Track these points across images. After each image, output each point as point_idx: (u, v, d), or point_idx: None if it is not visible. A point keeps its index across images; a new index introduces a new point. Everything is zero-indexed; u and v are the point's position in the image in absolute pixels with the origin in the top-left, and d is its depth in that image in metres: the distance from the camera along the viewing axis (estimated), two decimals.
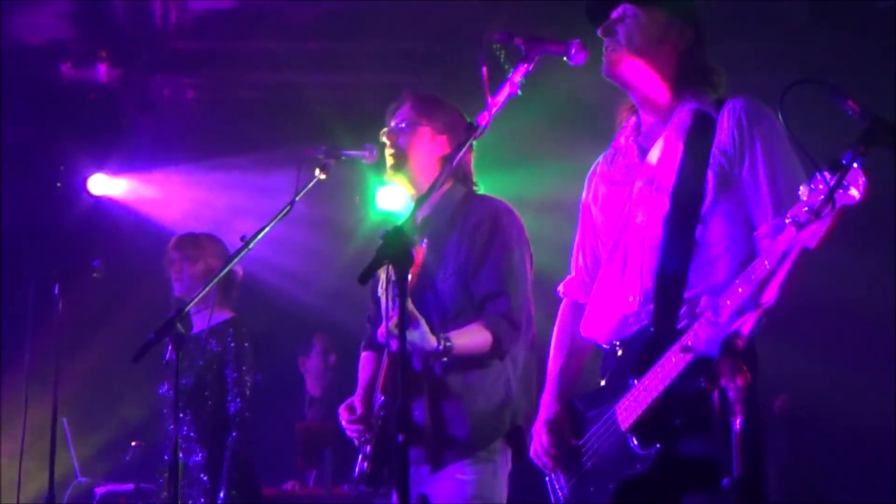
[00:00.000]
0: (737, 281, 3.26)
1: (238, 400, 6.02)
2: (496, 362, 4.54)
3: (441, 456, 4.47)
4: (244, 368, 6.08)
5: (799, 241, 3.04)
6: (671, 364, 3.38)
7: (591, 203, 4.01)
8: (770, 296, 3.27)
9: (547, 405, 3.92)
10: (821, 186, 2.95)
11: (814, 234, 3.00)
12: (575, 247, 4.13)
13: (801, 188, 3.02)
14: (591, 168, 4.05)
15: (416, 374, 4.48)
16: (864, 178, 2.89)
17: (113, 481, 8.20)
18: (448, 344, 4.36)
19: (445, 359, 4.38)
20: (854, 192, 2.90)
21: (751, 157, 3.53)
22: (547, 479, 3.91)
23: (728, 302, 3.26)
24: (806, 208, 2.99)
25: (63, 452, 8.00)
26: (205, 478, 5.97)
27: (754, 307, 3.27)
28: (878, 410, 7.86)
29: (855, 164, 2.90)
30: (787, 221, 3.05)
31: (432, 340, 4.33)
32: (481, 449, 4.48)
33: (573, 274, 4.13)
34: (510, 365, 4.59)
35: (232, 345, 6.08)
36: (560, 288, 4.17)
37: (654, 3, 3.74)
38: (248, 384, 6.08)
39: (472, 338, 4.45)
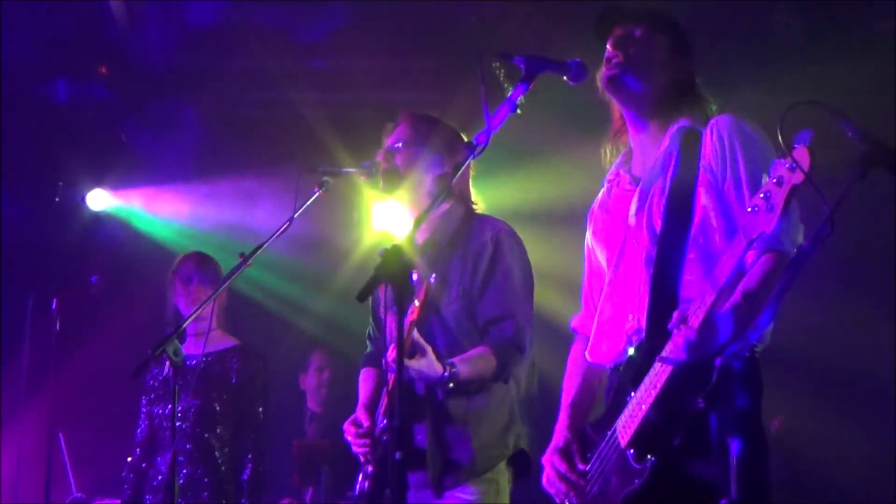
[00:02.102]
0: (706, 285, 3.28)
1: (253, 434, 6.09)
2: (500, 386, 4.54)
3: (443, 481, 4.47)
4: (259, 403, 6.12)
5: (757, 226, 3.06)
6: (656, 373, 3.40)
7: (592, 239, 4.05)
8: (737, 297, 3.33)
9: (558, 434, 3.92)
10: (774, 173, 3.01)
11: (770, 219, 3.03)
12: (584, 284, 4.15)
13: (763, 177, 3.06)
14: (591, 207, 4.09)
15: (418, 399, 4.48)
16: (809, 158, 2.92)
17: (109, 497, 8.17)
18: (454, 370, 4.37)
19: (452, 385, 4.38)
20: (800, 172, 2.93)
21: (733, 170, 3.57)
22: None
23: (697, 307, 3.28)
24: (762, 194, 3.04)
25: (59, 467, 7.98)
26: (205, 495, 5.96)
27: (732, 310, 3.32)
28: (876, 433, 7.84)
29: (797, 146, 2.94)
30: (748, 210, 3.09)
31: (438, 368, 4.33)
32: (485, 472, 4.48)
33: (583, 310, 4.15)
34: (514, 388, 4.59)
35: (248, 377, 6.12)
36: (572, 323, 4.18)
37: (660, 31, 3.83)
38: (261, 417, 6.15)
39: (477, 364, 4.45)
